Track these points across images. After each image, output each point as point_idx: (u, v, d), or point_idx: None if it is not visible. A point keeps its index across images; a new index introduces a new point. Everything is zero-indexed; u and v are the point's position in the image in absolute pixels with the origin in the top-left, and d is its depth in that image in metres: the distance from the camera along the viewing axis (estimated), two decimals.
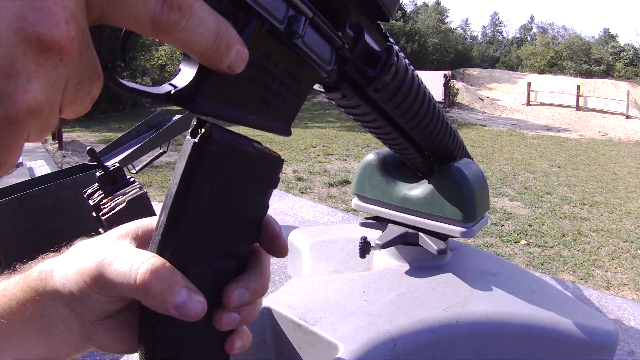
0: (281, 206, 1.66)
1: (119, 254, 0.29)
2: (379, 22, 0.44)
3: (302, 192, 4.90)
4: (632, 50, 29.94)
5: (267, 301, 0.67)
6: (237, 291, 0.31)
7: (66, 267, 0.31)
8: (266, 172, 0.33)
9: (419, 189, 0.71)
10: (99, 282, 0.29)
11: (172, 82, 0.29)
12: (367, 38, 0.42)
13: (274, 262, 1.15)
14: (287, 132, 0.36)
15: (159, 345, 0.31)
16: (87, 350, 0.34)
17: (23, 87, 0.17)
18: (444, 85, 13.99)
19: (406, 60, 0.52)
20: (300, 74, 0.34)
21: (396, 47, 0.46)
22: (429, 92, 0.57)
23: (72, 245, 0.33)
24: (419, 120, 0.56)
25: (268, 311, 0.66)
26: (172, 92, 0.28)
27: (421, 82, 0.56)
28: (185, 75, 0.28)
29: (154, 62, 19.13)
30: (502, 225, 4.16)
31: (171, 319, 0.30)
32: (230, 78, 0.28)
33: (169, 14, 0.21)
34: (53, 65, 0.18)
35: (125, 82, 0.27)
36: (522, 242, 3.80)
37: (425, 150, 0.66)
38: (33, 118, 0.18)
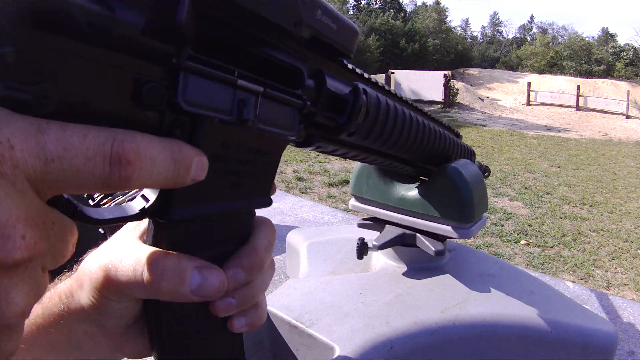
0: (281, 206, 1.66)
1: (123, 256, 0.29)
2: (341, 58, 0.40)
3: (302, 192, 4.90)
4: (632, 50, 29.94)
5: None
6: (230, 271, 0.30)
7: (82, 283, 0.30)
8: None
9: (416, 190, 0.70)
10: (110, 289, 0.28)
11: (143, 193, 0.29)
12: (331, 82, 0.39)
13: (274, 261, 1.15)
14: (266, 204, 0.35)
15: (166, 336, 0.31)
16: None
17: (5, 302, 0.18)
18: (444, 85, 13.98)
19: (378, 88, 0.48)
20: (265, 146, 0.33)
21: (362, 86, 0.42)
22: (412, 113, 0.54)
23: (82, 259, 0.33)
24: (402, 143, 0.53)
25: None
26: (146, 207, 0.28)
27: (400, 102, 0.52)
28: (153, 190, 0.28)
29: None
30: (502, 225, 4.16)
31: (170, 308, 0.30)
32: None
33: (119, 171, 0.21)
34: (24, 270, 0.19)
35: (96, 216, 0.26)
36: (522, 242, 3.80)
37: (414, 161, 0.65)
38: (22, 317, 0.19)
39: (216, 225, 0.32)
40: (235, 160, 0.31)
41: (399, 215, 0.72)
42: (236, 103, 0.28)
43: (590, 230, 4.16)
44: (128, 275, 0.27)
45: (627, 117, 13.73)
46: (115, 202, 0.93)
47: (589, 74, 25.30)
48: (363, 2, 36.81)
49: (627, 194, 5.43)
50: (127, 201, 0.29)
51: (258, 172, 0.33)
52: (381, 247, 0.70)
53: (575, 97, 15.30)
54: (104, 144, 0.20)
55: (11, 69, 0.18)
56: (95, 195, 1.02)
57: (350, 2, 35.23)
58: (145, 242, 0.30)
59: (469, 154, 0.78)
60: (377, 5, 36.99)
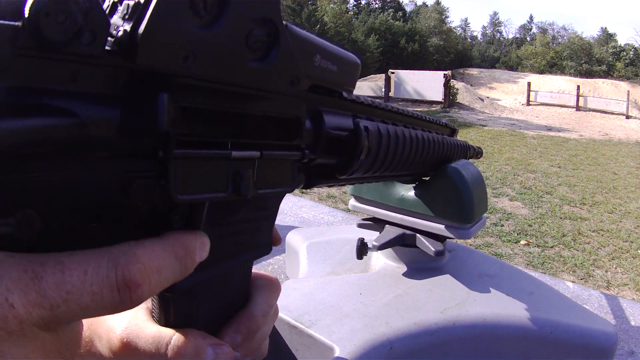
0: (281, 206, 1.65)
1: (140, 330, 0.29)
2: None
3: (302, 192, 4.89)
4: (632, 50, 29.93)
5: None
6: (228, 337, 0.31)
7: (101, 336, 0.31)
8: None
9: (416, 190, 0.70)
10: (128, 356, 0.29)
11: None
12: (330, 121, 0.36)
13: (274, 262, 1.15)
14: (266, 252, 0.34)
15: None
16: None
17: None
18: (444, 85, 13.97)
19: (377, 111, 0.45)
20: (264, 203, 0.32)
21: (363, 124, 0.39)
22: (411, 132, 0.51)
23: None
24: (402, 165, 0.51)
25: None
26: None
27: (397, 117, 0.50)
28: None
29: None
30: (502, 225, 4.15)
31: None
32: None
33: (129, 295, 0.20)
34: None
35: None
36: (522, 242, 3.79)
37: (413, 172, 0.64)
38: None
39: (219, 285, 0.31)
40: (234, 222, 0.30)
41: (399, 216, 0.72)
42: (232, 178, 0.26)
43: (590, 230, 4.15)
44: (149, 350, 0.29)
45: (627, 117, 13.72)
46: None
47: (589, 74, 25.29)
48: (363, 2, 36.82)
49: (627, 194, 5.43)
50: None
51: (257, 227, 0.32)
52: (381, 247, 0.70)
53: (575, 97, 15.29)
54: (108, 275, 0.20)
55: None
56: None
57: (351, 1, 35.25)
58: (152, 313, 0.30)
59: (464, 150, 0.76)
60: (377, 5, 36.98)
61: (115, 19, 0.21)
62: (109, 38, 0.20)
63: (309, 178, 0.38)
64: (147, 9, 0.19)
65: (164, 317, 0.30)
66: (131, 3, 0.20)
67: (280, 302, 0.66)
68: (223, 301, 0.32)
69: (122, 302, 0.20)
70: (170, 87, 0.22)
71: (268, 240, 0.34)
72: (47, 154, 0.18)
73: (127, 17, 0.20)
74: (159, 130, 0.21)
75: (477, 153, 0.85)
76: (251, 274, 0.35)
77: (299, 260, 0.90)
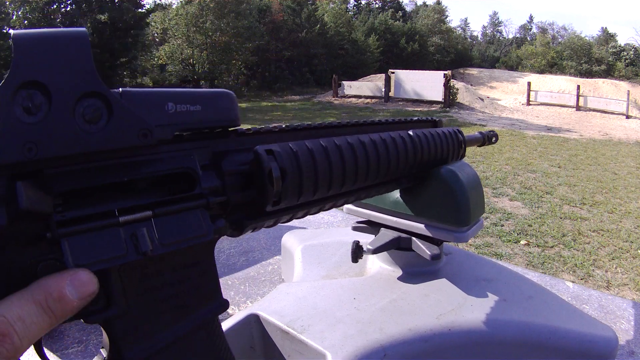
0: None
1: None
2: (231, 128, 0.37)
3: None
4: (632, 50, 29.92)
5: (255, 307, 0.65)
6: None
7: None
8: None
9: (411, 193, 0.69)
10: None
11: (100, 350, 0.31)
12: (232, 160, 0.36)
13: (273, 262, 1.14)
14: (222, 307, 0.34)
15: None
16: None
17: None
18: (444, 85, 13.97)
19: (302, 131, 0.42)
20: (189, 258, 0.32)
21: (263, 148, 0.37)
22: (360, 139, 0.46)
23: None
24: (361, 177, 0.46)
25: (256, 318, 0.64)
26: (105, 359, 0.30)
27: (346, 128, 0.46)
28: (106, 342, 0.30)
29: (154, 62, 19.12)
30: (502, 225, 4.14)
31: None
32: (136, 316, 0.29)
33: (2, 346, 0.22)
34: None
35: None
36: (522, 242, 3.78)
37: (397, 179, 0.58)
38: None
39: (181, 352, 0.32)
40: (164, 286, 0.30)
41: (394, 219, 0.71)
42: (129, 240, 0.28)
43: (590, 230, 4.14)
44: None
45: (627, 117, 13.69)
46: None
47: (589, 74, 25.28)
48: (363, 2, 36.81)
49: (627, 194, 5.41)
50: None
51: (196, 284, 0.32)
52: (375, 250, 0.69)
53: (575, 97, 15.26)
54: None
55: None
56: None
57: (351, 1, 35.24)
58: None
59: (452, 139, 0.67)
60: (377, 5, 36.97)
61: None
62: None
63: (236, 221, 0.38)
64: None
65: None
66: None
67: (273, 306, 0.65)
68: None
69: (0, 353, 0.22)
70: (33, 176, 0.26)
71: (215, 294, 0.33)
72: None
73: None
74: (22, 211, 0.24)
75: (490, 138, 0.78)
76: (223, 333, 0.34)
77: (294, 262, 0.89)
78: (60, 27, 0.27)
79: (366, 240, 0.73)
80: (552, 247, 3.74)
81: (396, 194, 0.70)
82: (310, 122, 0.44)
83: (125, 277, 0.29)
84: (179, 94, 0.32)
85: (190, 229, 0.31)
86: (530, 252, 3.59)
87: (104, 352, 0.31)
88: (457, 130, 0.69)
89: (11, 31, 0.26)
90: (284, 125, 0.42)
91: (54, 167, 0.27)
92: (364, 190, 0.52)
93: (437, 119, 0.68)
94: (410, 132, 0.56)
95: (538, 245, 3.74)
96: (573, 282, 1.10)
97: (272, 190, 0.37)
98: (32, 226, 0.25)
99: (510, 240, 3.81)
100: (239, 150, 0.37)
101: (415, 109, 13.63)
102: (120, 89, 0.30)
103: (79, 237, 0.26)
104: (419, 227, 0.68)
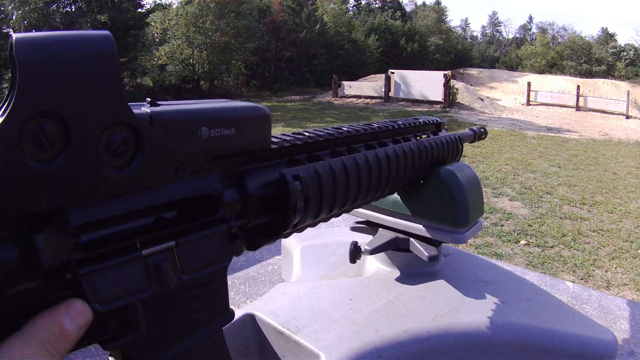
0: None
1: None
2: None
3: None
4: (632, 50, 29.92)
5: (251, 307, 0.65)
6: None
7: None
8: None
9: (409, 194, 0.68)
10: None
11: (110, 358, 0.30)
12: (256, 182, 0.34)
13: (273, 262, 1.13)
14: (228, 319, 0.33)
15: None
16: None
17: None
18: (444, 85, 13.96)
19: (321, 144, 0.41)
20: (204, 279, 0.31)
21: (291, 174, 0.35)
22: (373, 154, 0.46)
23: None
24: (367, 193, 0.46)
25: (252, 318, 0.63)
26: None
27: (356, 138, 0.45)
28: (117, 354, 0.29)
29: (154, 62, 19.11)
30: (502, 225, 4.14)
31: None
32: (149, 335, 0.28)
33: None
34: None
35: None
36: (522, 242, 3.78)
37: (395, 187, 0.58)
38: None
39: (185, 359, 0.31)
40: (178, 305, 0.29)
41: (392, 219, 0.70)
42: (151, 273, 0.26)
43: (590, 230, 4.14)
44: None
45: (627, 117, 13.67)
46: None
47: (589, 74, 25.28)
48: (363, 2, 36.82)
49: (627, 194, 5.41)
50: None
51: (208, 301, 0.31)
52: (373, 251, 0.68)
53: (575, 97, 15.24)
54: None
55: None
56: None
57: (351, 1, 35.25)
58: None
59: (454, 144, 0.69)
60: (377, 5, 36.97)
61: None
62: None
63: (251, 240, 0.37)
64: None
65: None
66: None
67: (269, 306, 0.64)
68: None
69: None
70: (53, 219, 0.23)
71: (224, 308, 0.33)
72: None
73: None
74: (43, 266, 0.22)
75: (480, 135, 0.79)
76: (224, 340, 0.34)
77: (293, 262, 0.88)
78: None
79: (365, 240, 0.72)
80: (552, 247, 3.73)
81: (395, 194, 0.69)
82: (331, 131, 0.43)
83: (144, 303, 0.27)
84: (212, 114, 0.29)
85: (211, 254, 0.30)
86: (530, 252, 3.58)
87: None
88: (457, 135, 0.70)
89: (12, 34, 0.20)
90: (307, 134, 0.41)
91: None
92: (368, 202, 0.52)
93: (442, 120, 0.69)
94: (418, 143, 0.57)
95: (538, 245, 3.73)
96: (573, 282, 1.09)
97: (294, 217, 0.36)
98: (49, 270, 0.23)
99: (510, 240, 3.80)
100: (264, 168, 0.35)
101: (415, 109, 13.62)
102: (149, 110, 0.26)
103: (100, 273, 0.24)
104: (417, 227, 0.67)
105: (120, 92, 0.23)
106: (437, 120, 0.68)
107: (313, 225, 0.43)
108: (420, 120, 0.63)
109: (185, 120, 0.27)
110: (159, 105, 0.27)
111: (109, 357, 0.30)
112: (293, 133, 0.41)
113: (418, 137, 0.60)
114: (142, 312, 0.27)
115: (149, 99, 0.27)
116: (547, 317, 0.63)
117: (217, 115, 0.29)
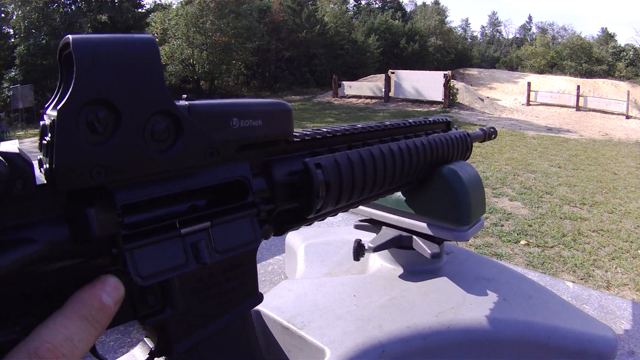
0: None
1: None
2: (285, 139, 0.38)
3: None
4: (632, 50, 29.93)
5: None
6: None
7: None
8: None
9: (413, 191, 0.69)
10: None
11: (144, 338, 0.32)
12: (281, 170, 0.37)
13: (274, 262, 1.14)
14: (258, 301, 0.35)
15: None
16: None
17: None
18: (444, 85, 13.97)
19: (339, 139, 0.44)
20: (237, 260, 0.33)
21: (313, 162, 0.39)
22: (386, 147, 0.48)
23: None
24: (382, 184, 0.49)
25: (257, 313, 0.64)
26: (152, 350, 0.31)
27: (370, 134, 0.48)
28: (152, 334, 0.31)
29: None
30: (502, 225, 4.14)
31: None
32: (186, 314, 0.30)
33: None
34: None
35: None
36: (522, 242, 3.79)
37: (408, 182, 0.61)
38: None
39: (217, 339, 0.33)
40: (213, 285, 0.32)
41: (396, 217, 0.71)
42: (189, 251, 0.28)
43: (590, 230, 4.15)
44: None
45: (627, 117, 13.68)
46: None
47: (589, 74, 25.28)
48: (363, 2, 36.83)
49: (627, 194, 5.42)
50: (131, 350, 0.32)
51: (239, 282, 0.34)
52: (377, 249, 0.69)
53: (575, 97, 15.25)
54: None
55: None
56: None
57: (351, 2, 35.26)
58: None
59: (462, 142, 0.71)
60: (377, 5, 36.98)
61: (43, 156, 0.25)
62: (42, 172, 0.25)
63: (278, 225, 0.40)
64: (53, 147, 0.23)
65: None
66: (45, 143, 0.24)
67: (274, 302, 0.65)
68: (230, 352, 0.34)
69: None
70: (104, 197, 0.25)
71: (254, 290, 0.35)
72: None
73: (45, 155, 0.24)
74: (94, 238, 0.25)
75: (490, 135, 0.81)
76: (253, 321, 0.36)
77: (297, 260, 0.89)
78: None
79: (368, 239, 0.73)
80: (552, 247, 3.74)
81: (398, 192, 0.70)
82: (348, 127, 0.46)
83: (182, 281, 0.29)
84: (242, 107, 0.32)
85: (243, 236, 0.32)
86: (530, 252, 3.59)
87: (149, 342, 0.31)
88: (467, 133, 0.72)
89: (69, 36, 0.24)
90: (325, 130, 0.44)
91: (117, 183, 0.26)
92: (383, 194, 0.55)
93: (450, 120, 0.72)
94: (429, 139, 0.60)
95: (538, 246, 3.74)
96: (573, 282, 1.10)
97: (317, 202, 0.39)
98: (96, 244, 0.25)
99: (510, 241, 3.81)
100: (288, 159, 0.39)
101: (415, 109, 13.63)
102: (187, 102, 0.29)
103: (143, 250, 0.26)
104: (420, 225, 0.68)
105: (163, 85, 0.26)
106: (446, 119, 0.71)
107: (333, 213, 0.45)
108: (431, 119, 0.66)
109: (218, 111, 0.31)
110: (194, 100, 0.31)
111: (145, 339, 0.32)
112: (312, 129, 0.43)
113: (429, 135, 0.62)
114: (179, 290, 0.29)
115: (185, 95, 0.30)
116: (548, 314, 0.64)
117: (245, 108, 0.32)
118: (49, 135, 0.24)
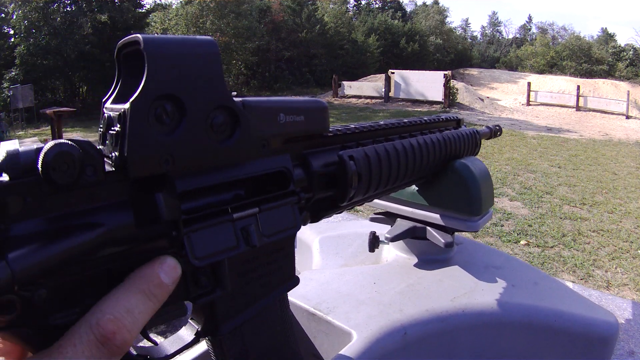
0: None
1: None
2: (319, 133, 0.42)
3: None
4: (632, 50, 29.92)
5: None
6: None
7: None
8: None
9: (426, 185, 0.74)
10: None
11: (189, 320, 0.34)
12: (318, 162, 0.41)
13: None
14: (295, 284, 0.39)
15: None
16: None
17: None
18: (444, 85, 13.99)
19: (367, 134, 0.49)
20: (279, 245, 0.36)
21: (346, 154, 0.43)
22: (408, 143, 0.54)
23: None
24: (404, 175, 0.54)
25: None
26: (199, 330, 0.33)
27: (391, 130, 0.53)
28: (199, 315, 0.34)
29: None
30: (502, 225, 4.17)
31: None
32: (233, 294, 0.33)
33: (113, 343, 0.24)
34: None
35: (163, 354, 0.32)
36: (522, 242, 3.81)
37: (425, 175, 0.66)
38: None
39: (259, 319, 0.36)
40: (257, 267, 0.35)
41: (410, 209, 0.76)
42: (240, 235, 0.31)
43: (590, 230, 4.18)
44: None
45: (627, 117, 13.71)
46: None
47: (589, 74, 25.30)
48: (363, 2, 36.84)
49: (627, 194, 5.45)
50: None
51: (280, 265, 0.37)
52: (393, 239, 0.74)
53: (575, 97, 15.28)
54: (89, 339, 0.24)
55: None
56: None
57: (351, 2, 35.27)
58: (211, 355, 0.35)
59: (472, 138, 0.76)
60: (377, 5, 36.99)
61: (108, 146, 0.27)
62: (108, 160, 0.27)
63: (315, 212, 0.44)
64: (125, 137, 0.25)
65: (221, 357, 0.34)
66: (113, 133, 0.26)
67: (298, 291, 0.70)
68: (268, 332, 0.37)
69: (111, 351, 0.24)
70: (167, 184, 0.28)
71: (292, 273, 0.38)
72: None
73: (114, 144, 0.26)
74: (164, 221, 0.27)
75: (495, 132, 0.88)
76: (289, 302, 0.40)
77: (312, 253, 0.94)
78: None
79: (381, 231, 0.78)
80: (552, 247, 3.77)
81: (413, 186, 0.75)
82: (372, 124, 0.51)
83: (230, 263, 0.32)
84: (288, 104, 0.36)
85: (286, 222, 0.35)
86: (530, 252, 3.62)
87: (194, 323, 0.34)
88: (476, 130, 0.78)
89: (139, 36, 0.26)
90: (353, 126, 0.48)
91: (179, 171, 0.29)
92: (402, 186, 0.60)
93: (461, 117, 0.77)
94: (443, 135, 0.65)
95: (538, 246, 3.77)
96: (573, 282, 1.13)
97: (350, 191, 0.43)
98: (157, 226, 0.28)
99: (510, 240, 3.84)
100: (323, 151, 0.42)
101: (415, 109, 13.65)
102: (241, 99, 0.32)
103: (199, 234, 0.29)
104: (434, 216, 0.73)
105: (223, 82, 0.30)
106: (457, 117, 0.76)
107: (363, 201, 0.50)
108: (443, 117, 0.71)
109: (268, 107, 0.34)
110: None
111: (190, 321, 0.35)
112: (341, 125, 0.48)
113: (442, 131, 0.67)
114: (229, 270, 0.32)
115: (235, 93, 0.33)
116: (554, 299, 0.69)
117: (291, 105, 0.36)
118: (118, 126, 0.26)
